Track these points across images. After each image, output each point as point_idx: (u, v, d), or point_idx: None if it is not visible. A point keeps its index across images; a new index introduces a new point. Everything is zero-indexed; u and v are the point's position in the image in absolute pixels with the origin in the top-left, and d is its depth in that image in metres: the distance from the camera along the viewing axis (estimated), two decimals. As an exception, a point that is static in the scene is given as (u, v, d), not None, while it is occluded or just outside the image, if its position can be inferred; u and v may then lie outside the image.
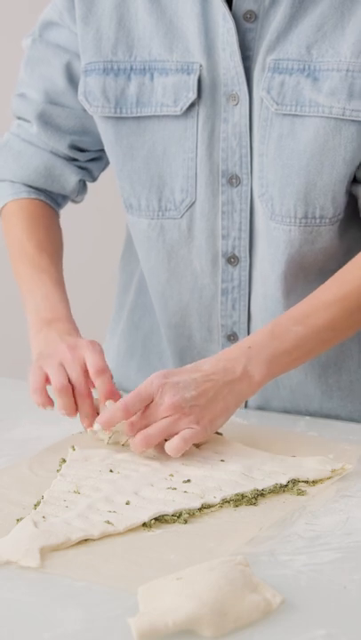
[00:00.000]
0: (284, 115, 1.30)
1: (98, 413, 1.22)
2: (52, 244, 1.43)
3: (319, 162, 1.30)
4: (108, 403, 1.21)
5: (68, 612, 0.87)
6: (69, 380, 1.22)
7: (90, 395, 1.23)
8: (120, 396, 1.22)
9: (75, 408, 1.22)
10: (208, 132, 1.33)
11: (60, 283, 1.38)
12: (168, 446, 1.17)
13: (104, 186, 1.55)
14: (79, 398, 1.22)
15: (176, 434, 1.17)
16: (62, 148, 1.45)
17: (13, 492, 1.11)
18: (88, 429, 1.23)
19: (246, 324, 1.41)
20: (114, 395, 1.22)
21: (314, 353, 1.29)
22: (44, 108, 1.43)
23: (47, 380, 1.23)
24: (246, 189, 1.34)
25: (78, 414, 1.23)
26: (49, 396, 1.23)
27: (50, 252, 1.41)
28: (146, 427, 1.18)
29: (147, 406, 1.18)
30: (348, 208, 1.34)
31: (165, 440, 1.18)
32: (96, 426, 1.19)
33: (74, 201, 1.52)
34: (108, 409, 1.19)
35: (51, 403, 1.23)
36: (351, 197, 1.35)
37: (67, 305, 1.34)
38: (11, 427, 1.31)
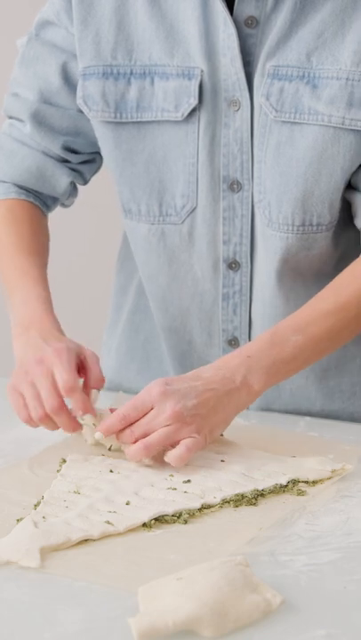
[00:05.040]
0: (283, 122, 1.29)
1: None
2: (35, 246, 1.40)
3: (317, 170, 1.29)
4: (87, 417, 1.20)
5: (68, 612, 0.87)
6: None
7: (62, 407, 1.19)
8: (92, 410, 1.20)
9: (57, 426, 1.21)
10: (209, 138, 1.33)
11: (41, 284, 1.34)
12: (172, 455, 1.15)
13: (101, 186, 1.54)
14: (53, 415, 1.19)
15: (176, 443, 1.15)
16: (55, 148, 1.43)
17: (13, 492, 1.11)
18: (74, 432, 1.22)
19: (247, 329, 1.41)
20: (87, 411, 1.20)
21: (309, 362, 1.28)
22: (38, 108, 1.41)
23: None
24: (247, 195, 1.34)
25: None
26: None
27: (32, 253, 1.38)
28: (144, 435, 1.16)
29: (145, 414, 1.17)
30: (342, 212, 1.34)
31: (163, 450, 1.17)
32: (97, 435, 1.18)
33: (63, 204, 1.50)
34: (109, 417, 1.18)
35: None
36: (346, 202, 1.34)
37: (48, 306, 1.30)
38: (11, 427, 1.30)
